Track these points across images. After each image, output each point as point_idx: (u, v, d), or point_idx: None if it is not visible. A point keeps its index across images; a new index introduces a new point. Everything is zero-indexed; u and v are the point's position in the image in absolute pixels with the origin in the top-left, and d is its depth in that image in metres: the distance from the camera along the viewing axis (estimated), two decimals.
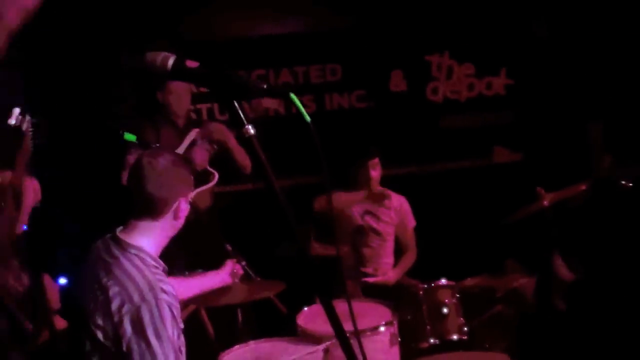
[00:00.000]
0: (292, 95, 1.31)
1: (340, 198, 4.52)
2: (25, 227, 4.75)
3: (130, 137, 3.61)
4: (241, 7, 5.19)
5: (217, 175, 4.26)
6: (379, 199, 4.58)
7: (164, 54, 1.33)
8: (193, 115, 5.24)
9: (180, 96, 4.27)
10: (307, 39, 5.49)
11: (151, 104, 4.32)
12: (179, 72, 1.34)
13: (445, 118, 5.71)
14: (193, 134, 4.28)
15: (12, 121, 3.06)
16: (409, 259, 4.72)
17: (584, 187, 4.29)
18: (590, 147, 5.37)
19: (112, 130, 3.84)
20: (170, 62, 1.33)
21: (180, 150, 4.16)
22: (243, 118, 1.32)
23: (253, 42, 5.37)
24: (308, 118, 1.32)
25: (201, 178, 4.18)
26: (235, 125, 1.31)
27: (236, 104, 1.31)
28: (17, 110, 3.05)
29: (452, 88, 5.72)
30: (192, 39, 5.06)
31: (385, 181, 4.63)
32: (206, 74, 1.33)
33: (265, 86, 1.32)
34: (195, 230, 3.95)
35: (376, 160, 4.49)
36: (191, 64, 1.33)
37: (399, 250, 4.76)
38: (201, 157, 4.17)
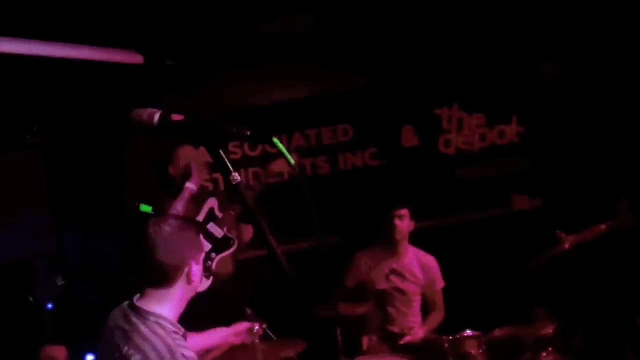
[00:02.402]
0: (275, 140, 1.34)
1: (364, 261, 4.60)
2: (49, 306, 4.83)
3: (146, 208, 3.67)
4: (250, 76, 5.33)
5: (236, 241, 4.29)
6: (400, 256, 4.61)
7: (149, 109, 1.39)
8: (210, 185, 5.32)
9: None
10: (317, 102, 5.56)
11: (167, 177, 4.37)
12: (165, 125, 1.39)
13: (460, 170, 5.69)
14: (210, 203, 4.33)
15: None
16: (437, 318, 4.69)
17: (603, 228, 4.27)
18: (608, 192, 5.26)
19: (129, 203, 3.91)
20: (156, 117, 1.39)
21: (199, 218, 4.20)
22: (229, 165, 1.36)
23: (264, 110, 5.44)
24: (292, 161, 1.36)
25: (221, 244, 4.22)
26: (222, 172, 1.35)
27: (222, 152, 1.35)
28: None
29: (464, 139, 5.70)
30: (203, 110, 5.16)
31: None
32: (191, 125, 1.38)
33: (248, 132, 1.36)
34: (216, 296, 3.98)
35: (403, 211, 4.52)
36: (176, 117, 1.38)
37: (425, 308, 4.72)
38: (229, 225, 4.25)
